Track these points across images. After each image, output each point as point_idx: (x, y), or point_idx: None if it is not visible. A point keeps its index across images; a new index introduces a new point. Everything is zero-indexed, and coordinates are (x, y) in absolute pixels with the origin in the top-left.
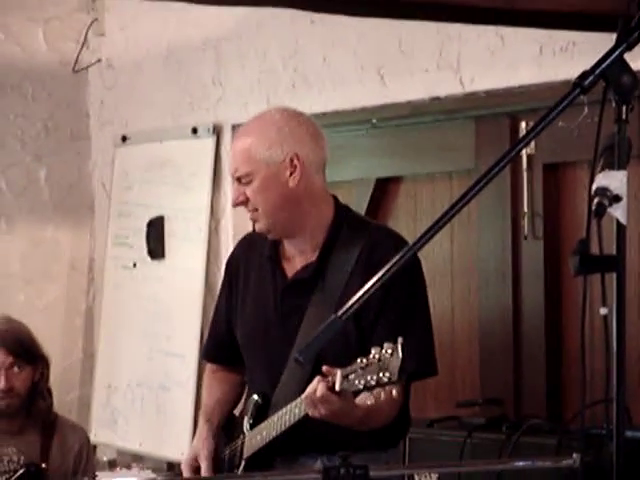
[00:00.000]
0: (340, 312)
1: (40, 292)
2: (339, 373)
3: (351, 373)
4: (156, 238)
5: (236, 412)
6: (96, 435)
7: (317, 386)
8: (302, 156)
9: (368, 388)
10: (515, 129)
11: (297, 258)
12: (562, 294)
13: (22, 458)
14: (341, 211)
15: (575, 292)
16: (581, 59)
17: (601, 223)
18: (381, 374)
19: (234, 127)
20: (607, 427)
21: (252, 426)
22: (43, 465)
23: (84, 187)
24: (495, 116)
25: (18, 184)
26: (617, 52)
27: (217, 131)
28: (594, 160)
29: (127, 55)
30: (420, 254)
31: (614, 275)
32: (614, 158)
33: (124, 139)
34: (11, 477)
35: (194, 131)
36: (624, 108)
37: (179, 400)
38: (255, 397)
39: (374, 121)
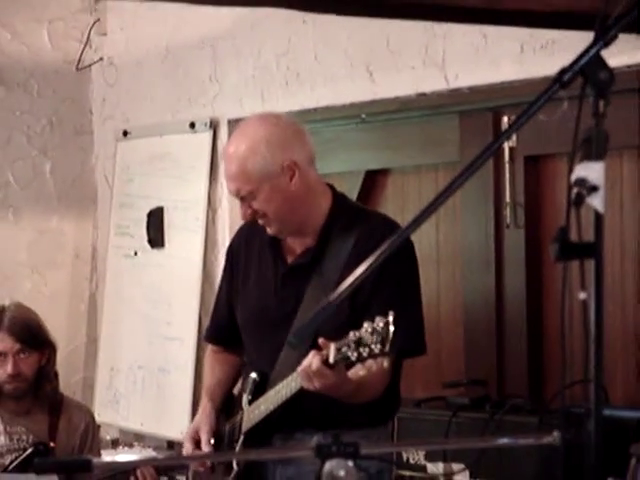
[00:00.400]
0: (332, 297)
1: (46, 280)
2: (332, 346)
3: (344, 346)
4: (156, 228)
5: (235, 392)
6: (99, 415)
7: (312, 359)
8: (295, 159)
9: (360, 360)
10: (497, 123)
11: (296, 244)
12: (543, 280)
13: (31, 437)
14: (338, 199)
15: (555, 278)
16: (560, 56)
17: (580, 212)
18: (373, 346)
19: (230, 122)
20: (586, 406)
21: (251, 402)
22: (51, 444)
23: (87, 180)
24: (479, 111)
25: (24, 177)
26: (594, 49)
27: (214, 126)
28: (573, 152)
29: (128, 54)
30: None
31: (592, 261)
32: (592, 150)
33: (125, 134)
34: (20, 455)
35: (192, 126)
36: (601, 102)
37: (178, 382)
38: (254, 375)
39: (363, 116)
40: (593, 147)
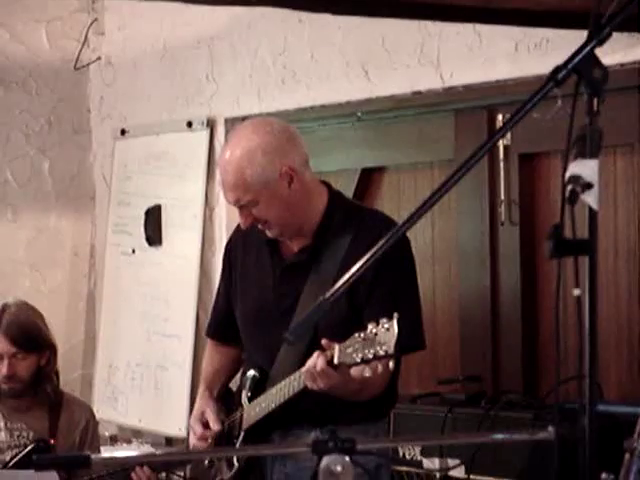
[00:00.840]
0: (328, 294)
1: (44, 277)
2: (337, 347)
3: (349, 347)
4: (153, 226)
5: (233, 388)
6: (98, 412)
7: (317, 360)
8: (291, 164)
9: (365, 361)
10: (492, 121)
11: (294, 242)
12: (537, 276)
13: (32, 434)
14: (334, 197)
15: (549, 275)
16: (554, 55)
17: (574, 209)
18: (378, 348)
19: (227, 120)
20: (580, 401)
21: (250, 399)
22: (51, 441)
23: (85, 178)
24: (473, 109)
25: (23, 175)
26: (588, 48)
27: (211, 124)
28: (567, 150)
29: (125, 53)
30: None
31: (586, 258)
32: (586, 148)
33: (123, 132)
34: (21, 451)
35: (189, 124)
36: (595, 100)
37: (176, 379)
38: (253, 372)
39: (359, 114)
40: (587, 145)
